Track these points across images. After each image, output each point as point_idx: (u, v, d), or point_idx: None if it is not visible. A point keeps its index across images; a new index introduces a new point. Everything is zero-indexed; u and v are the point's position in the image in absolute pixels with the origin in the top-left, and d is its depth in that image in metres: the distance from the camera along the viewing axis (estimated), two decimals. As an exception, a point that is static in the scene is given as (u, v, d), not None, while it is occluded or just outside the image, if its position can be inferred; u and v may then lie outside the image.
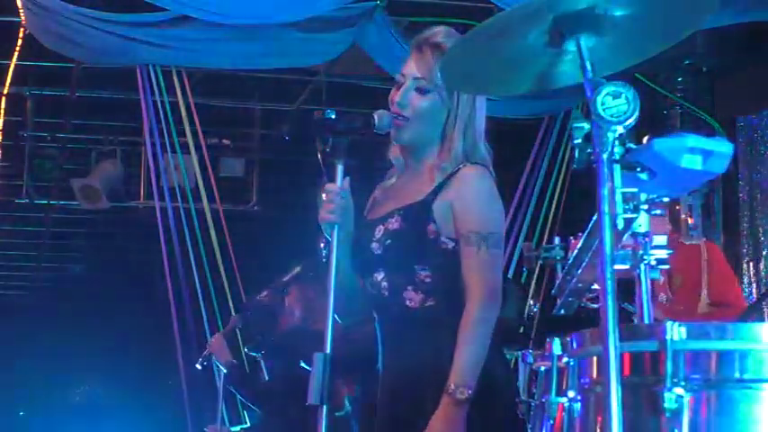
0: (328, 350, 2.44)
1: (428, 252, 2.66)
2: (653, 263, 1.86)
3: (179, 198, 7.15)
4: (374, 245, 2.72)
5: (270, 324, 4.30)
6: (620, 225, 1.64)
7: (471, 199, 2.68)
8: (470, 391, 2.53)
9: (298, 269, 4.27)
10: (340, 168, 2.59)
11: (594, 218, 1.86)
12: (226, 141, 8.10)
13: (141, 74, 6.82)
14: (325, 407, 2.40)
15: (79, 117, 8.10)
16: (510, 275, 6.75)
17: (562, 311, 2.42)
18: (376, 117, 2.63)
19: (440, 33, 2.75)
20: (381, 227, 2.72)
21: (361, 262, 2.76)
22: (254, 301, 4.26)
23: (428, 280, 2.66)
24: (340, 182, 2.61)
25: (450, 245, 2.66)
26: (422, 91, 2.72)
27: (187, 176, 7.37)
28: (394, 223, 2.70)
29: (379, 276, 2.72)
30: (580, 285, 2.27)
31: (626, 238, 1.81)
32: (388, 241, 2.70)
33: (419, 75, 2.72)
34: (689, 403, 1.57)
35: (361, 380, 4.54)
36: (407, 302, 2.68)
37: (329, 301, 2.51)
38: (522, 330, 5.01)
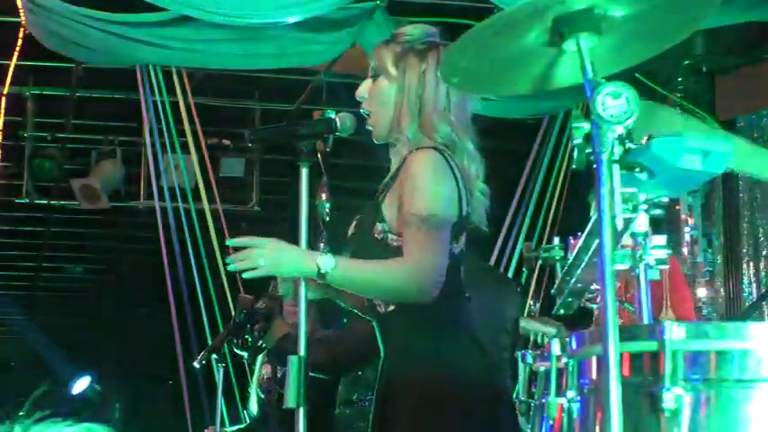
0: (303, 353, 2.43)
1: (379, 253, 2.61)
2: (652, 263, 1.86)
3: (179, 198, 7.15)
4: (345, 252, 2.75)
5: (262, 328, 4.30)
6: (620, 226, 1.65)
7: (412, 181, 2.61)
8: (327, 269, 2.49)
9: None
10: (305, 172, 2.57)
11: (594, 218, 1.86)
12: (226, 141, 8.09)
13: (141, 74, 6.82)
14: (302, 409, 2.41)
15: (79, 117, 8.10)
16: (510, 275, 6.75)
17: (561, 311, 2.42)
18: (338, 120, 2.63)
19: (402, 28, 2.80)
20: (349, 232, 2.76)
21: None
22: (250, 306, 4.26)
23: None
24: (305, 184, 2.57)
25: (400, 241, 2.62)
26: (374, 77, 2.76)
27: (187, 176, 7.37)
28: (352, 228, 2.74)
29: None
30: (579, 285, 2.27)
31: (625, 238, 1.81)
32: (349, 246, 2.73)
33: (371, 65, 2.77)
34: (688, 403, 1.57)
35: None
36: (377, 307, 2.69)
37: (301, 306, 2.51)
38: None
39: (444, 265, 2.58)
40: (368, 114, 2.78)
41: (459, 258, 2.67)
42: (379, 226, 2.64)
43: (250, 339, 4.19)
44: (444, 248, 2.59)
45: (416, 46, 2.75)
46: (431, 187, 2.61)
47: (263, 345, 4.28)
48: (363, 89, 2.79)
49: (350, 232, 2.74)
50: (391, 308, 2.65)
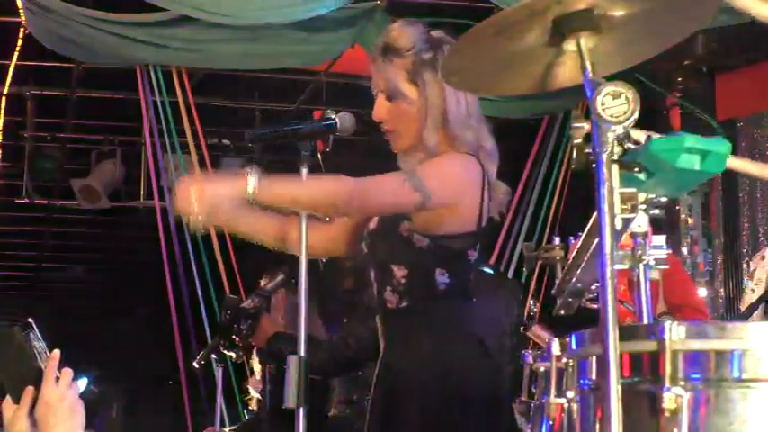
0: (303, 353, 2.43)
1: (402, 250, 2.64)
2: (652, 263, 1.86)
3: (179, 198, 7.14)
4: (363, 244, 2.75)
5: (250, 327, 4.30)
6: (619, 225, 1.65)
7: (434, 160, 2.65)
8: (255, 191, 2.45)
9: (282, 276, 4.27)
10: (305, 172, 2.57)
11: (593, 218, 1.86)
12: (226, 141, 8.09)
13: (141, 74, 6.83)
14: (302, 409, 2.41)
15: (79, 117, 8.10)
16: (510, 275, 6.76)
17: (562, 312, 2.42)
18: (338, 120, 2.62)
19: (387, 35, 2.76)
20: (368, 226, 2.76)
21: (361, 260, 2.80)
22: (236, 306, 4.26)
23: (404, 280, 2.66)
24: None
25: (425, 242, 2.64)
26: (390, 99, 2.73)
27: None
28: (373, 223, 2.74)
29: (372, 275, 2.76)
30: (580, 285, 2.27)
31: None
32: (369, 240, 2.73)
33: (380, 86, 2.74)
34: (688, 403, 1.57)
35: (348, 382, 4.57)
36: (387, 304, 2.70)
37: (301, 304, 2.52)
38: (522, 330, 5.01)
39: (382, 207, 2.59)
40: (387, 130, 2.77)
41: (472, 265, 2.70)
42: (405, 224, 2.65)
43: (237, 339, 4.20)
44: (399, 203, 2.58)
45: (424, 56, 2.70)
46: (438, 170, 2.62)
47: (252, 343, 4.29)
48: (382, 112, 2.73)
49: (370, 227, 2.74)
50: (404, 304, 2.67)
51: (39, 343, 1.99)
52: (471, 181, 2.65)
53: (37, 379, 1.93)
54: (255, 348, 4.49)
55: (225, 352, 4.31)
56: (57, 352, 1.98)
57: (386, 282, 2.69)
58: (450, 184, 2.63)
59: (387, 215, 2.70)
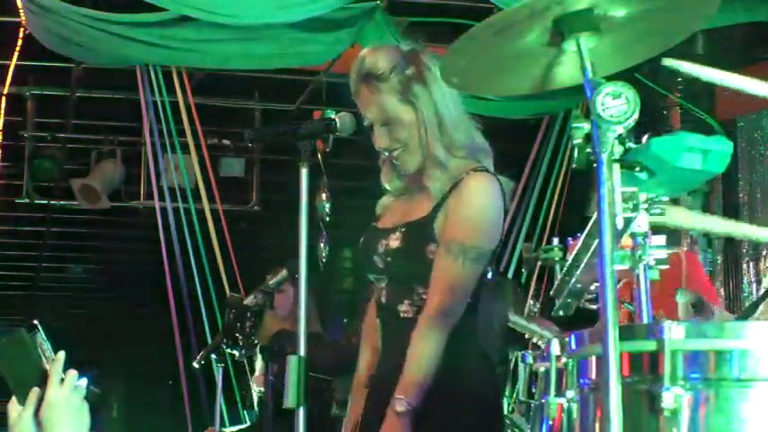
0: (302, 352, 2.43)
1: (427, 272, 2.64)
2: (651, 263, 1.86)
3: (179, 198, 7.15)
4: (376, 258, 2.73)
5: (253, 325, 4.30)
6: (620, 225, 1.65)
7: (466, 206, 2.64)
8: (410, 405, 2.52)
9: (284, 272, 4.27)
10: (305, 172, 2.56)
11: (593, 218, 1.86)
12: (226, 141, 8.09)
13: (141, 74, 6.82)
14: (302, 409, 2.40)
15: (79, 117, 8.10)
16: (510, 276, 6.75)
17: (560, 312, 2.42)
18: (338, 120, 2.62)
19: (362, 64, 2.73)
20: (384, 242, 2.73)
21: (365, 265, 2.79)
22: (238, 303, 4.26)
23: (425, 296, 2.66)
24: (305, 186, 2.56)
25: None
26: (386, 125, 2.73)
27: (187, 176, 7.37)
28: (395, 241, 2.71)
29: (381, 284, 2.75)
30: (579, 286, 2.27)
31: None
32: (389, 258, 2.71)
33: (375, 115, 2.73)
34: (687, 403, 1.57)
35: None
36: (402, 314, 2.69)
37: (301, 305, 2.51)
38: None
39: (469, 294, 2.63)
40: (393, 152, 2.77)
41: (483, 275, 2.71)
42: (432, 247, 2.65)
43: (241, 337, 4.20)
44: (474, 280, 2.65)
45: (407, 72, 2.70)
46: (483, 218, 2.64)
47: (256, 341, 4.29)
48: (384, 141, 2.73)
49: (391, 245, 2.72)
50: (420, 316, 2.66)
51: (44, 344, 2.00)
52: (501, 210, 2.68)
53: (42, 380, 1.93)
54: (258, 346, 4.49)
55: (228, 351, 4.31)
56: (62, 354, 1.98)
57: (404, 296, 2.69)
58: (491, 228, 2.67)
59: (412, 236, 2.69)
